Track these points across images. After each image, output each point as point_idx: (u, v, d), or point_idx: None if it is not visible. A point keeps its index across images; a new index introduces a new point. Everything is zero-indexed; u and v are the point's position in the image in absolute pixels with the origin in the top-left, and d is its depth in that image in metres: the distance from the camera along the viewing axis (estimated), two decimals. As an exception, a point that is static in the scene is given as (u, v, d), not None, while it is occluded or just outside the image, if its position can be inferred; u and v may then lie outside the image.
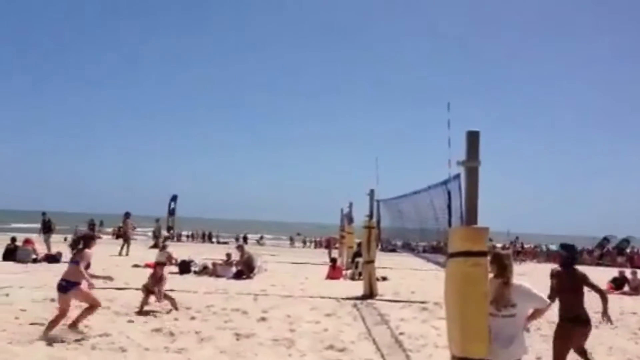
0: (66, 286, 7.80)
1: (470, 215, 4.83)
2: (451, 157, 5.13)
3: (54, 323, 7.77)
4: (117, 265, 17.83)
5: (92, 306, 8.06)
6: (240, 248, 17.52)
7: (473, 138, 4.90)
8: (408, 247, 10.50)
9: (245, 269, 16.26)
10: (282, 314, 10.12)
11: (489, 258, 4.77)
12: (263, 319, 9.72)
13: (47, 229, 23.26)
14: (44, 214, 23.99)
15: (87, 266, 7.92)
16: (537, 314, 5.08)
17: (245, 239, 47.39)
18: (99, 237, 24.19)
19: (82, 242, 8.11)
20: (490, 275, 4.82)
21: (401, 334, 8.81)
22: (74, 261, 7.92)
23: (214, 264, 16.86)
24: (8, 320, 8.63)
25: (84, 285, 7.87)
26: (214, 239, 47.65)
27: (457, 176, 5.32)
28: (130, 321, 8.99)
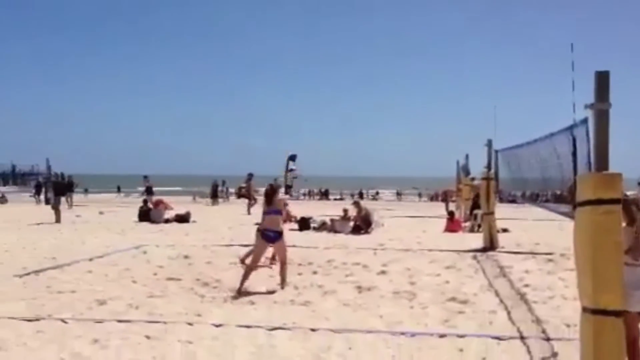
0: (273, 236, 8.46)
1: (601, 161, 4.56)
2: (575, 101, 4.86)
3: (247, 275, 8.46)
4: (243, 224, 18.74)
5: (284, 262, 8.63)
6: (356, 204, 17.73)
7: (602, 78, 4.59)
8: (529, 198, 10.14)
9: (363, 224, 16.47)
10: (402, 268, 10.19)
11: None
12: (383, 272, 9.85)
13: (149, 191, 25.32)
14: (145, 177, 25.98)
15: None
16: None
17: (361, 194, 47.89)
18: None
19: (270, 194, 8.69)
20: (623, 223, 4.56)
21: (525, 285, 8.58)
22: (273, 211, 8.54)
23: (332, 220, 17.22)
24: (147, 276, 9.39)
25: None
26: (330, 196, 48.56)
27: (585, 120, 5.04)
28: (256, 275, 9.43)
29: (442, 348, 5.72)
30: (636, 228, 4.63)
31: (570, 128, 5.50)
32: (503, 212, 18.70)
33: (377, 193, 52.33)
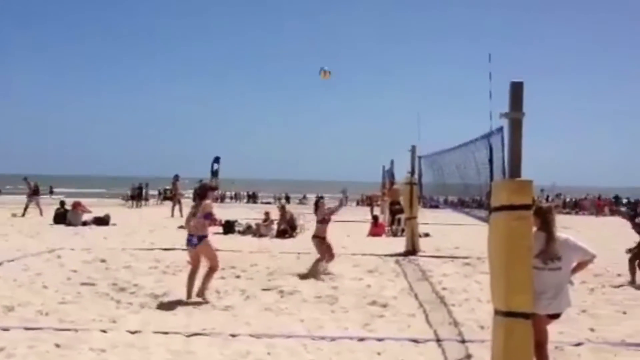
0: (194, 241, 7.95)
1: (514, 168, 4.71)
2: (493, 109, 5.01)
3: (190, 280, 7.97)
4: (166, 227, 18.29)
5: (212, 268, 8.11)
6: (281, 208, 17.68)
7: (517, 89, 4.74)
8: (450, 203, 10.41)
9: (288, 228, 16.44)
10: (325, 272, 10.20)
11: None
12: (306, 276, 9.84)
13: (35, 192, 24.46)
14: (25, 178, 25.06)
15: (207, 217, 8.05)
16: (581, 266, 4.97)
17: (287, 198, 47.85)
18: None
19: (200, 194, 8.19)
20: (534, 228, 4.72)
21: (444, 289, 8.80)
22: (195, 215, 8.02)
23: (258, 224, 17.09)
24: (60, 281, 8.97)
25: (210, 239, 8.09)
26: (258, 200, 48.20)
27: (500, 129, 5.19)
28: (178, 280, 9.21)
29: (360, 352, 5.76)
30: (549, 232, 4.78)
31: (488, 136, 5.66)
32: (425, 217, 19.14)
33: (305, 197, 52.33)
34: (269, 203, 42.32)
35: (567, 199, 41.10)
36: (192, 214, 8.03)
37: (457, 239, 15.52)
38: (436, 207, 24.45)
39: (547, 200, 36.48)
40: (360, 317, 7.13)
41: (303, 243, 14.53)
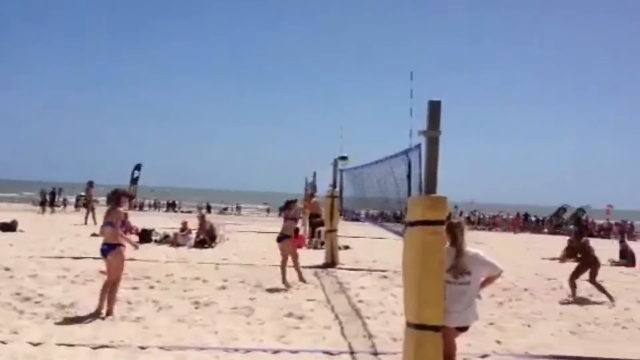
0: (106, 249, 7.53)
1: (430, 184, 4.83)
2: (417, 127, 5.12)
3: (103, 292, 7.51)
4: (78, 235, 17.55)
5: (108, 281, 7.61)
6: (201, 217, 17.37)
7: (434, 108, 4.88)
8: (369, 217, 10.57)
9: (207, 238, 16.16)
10: (243, 283, 10.11)
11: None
12: (223, 287, 9.70)
13: None
14: None
15: (122, 224, 7.64)
16: (489, 280, 5.15)
17: (208, 208, 47.12)
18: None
19: (113, 200, 7.73)
20: (446, 244, 4.86)
21: (360, 301, 8.90)
22: (108, 223, 7.60)
23: (175, 234, 16.70)
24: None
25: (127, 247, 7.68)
26: (177, 208, 47.17)
27: (418, 146, 5.31)
28: (87, 290, 8.84)
29: (274, 364, 5.71)
30: (459, 248, 4.93)
31: (406, 152, 5.79)
32: (346, 230, 19.34)
33: (226, 209, 51.62)
34: (189, 212, 41.50)
35: (482, 216, 42.62)
36: (106, 222, 7.72)
37: (376, 252, 15.74)
38: (357, 220, 24.75)
39: (460, 216, 37.80)
40: (275, 328, 7.08)
41: (222, 253, 14.36)
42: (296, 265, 10.48)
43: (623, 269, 16.04)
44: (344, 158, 13.35)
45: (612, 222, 40.12)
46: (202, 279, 10.27)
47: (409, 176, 5.67)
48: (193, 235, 16.47)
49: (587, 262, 10.82)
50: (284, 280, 10.09)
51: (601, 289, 10.33)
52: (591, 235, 31.76)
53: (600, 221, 40.69)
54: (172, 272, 10.80)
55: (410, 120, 5.29)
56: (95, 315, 7.28)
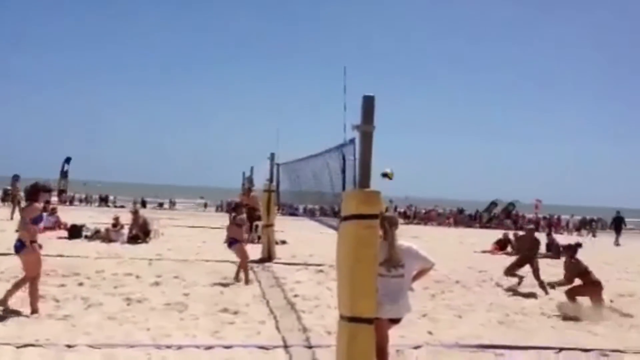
0: (19, 246, 7.12)
1: (364, 178, 4.87)
2: (352, 122, 5.14)
3: (15, 288, 7.18)
4: (3, 230, 16.78)
5: (25, 278, 7.26)
6: (134, 212, 16.95)
7: (368, 102, 4.92)
8: (306, 211, 10.60)
9: (141, 234, 15.80)
10: (177, 279, 9.94)
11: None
12: (156, 283, 9.52)
13: None
14: None
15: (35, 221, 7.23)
16: (422, 273, 5.26)
17: (143, 203, 46.11)
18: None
19: (31, 195, 7.31)
20: (380, 237, 4.91)
21: (295, 296, 8.91)
22: (24, 219, 7.18)
23: (107, 229, 16.25)
24: None
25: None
26: (110, 203, 45.88)
27: (352, 140, 5.34)
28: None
29: (207, 359, 5.64)
30: (392, 241, 5.00)
31: (341, 147, 5.82)
32: (283, 225, 19.32)
33: (162, 204, 50.47)
34: (122, 207, 40.48)
35: (417, 211, 43.47)
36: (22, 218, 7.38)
37: (313, 246, 15.79)
38: (294, 215, 24.79)
39: (395, 210, 38.44)
40: (210, 324, 7.00)
41: (156, 249, 14.07)
42: (245, 268, 10.23)
43: (549, 260, 16.72)
44: (386, 175, 12.51)
45: (540, 216, 41.76)
46: (135, 275, 10.04)
47: (343, 170, 5.70)
48: (126, 230, 16.07)
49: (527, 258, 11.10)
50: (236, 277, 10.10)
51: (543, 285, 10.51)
52: (520, 229, 33.00)
53: (529, 215, 42.28)
54: (102, 269, 10.50)
55: (344, 115, 5.35)
56: (19, 313, 6.99)
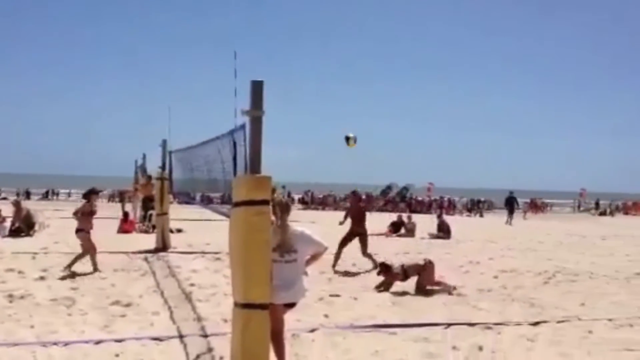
0: None
1: (254, 164, 4.84)
2: (240, 107, 5.09)
3: None
4: None
5: None
6: (16, 203, 15.95)
7: (257, 87, 4.88)
8: (204, 199, 10.42)
9: (24, 226, 14.90)
10: (64, 272, 9.48)
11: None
12: (42, 278, 9.05)
13: None
14: None
15: None
16: (315, 257, 5.31)
17: (27, 193, 43.55)
18: None
19: None
20: (272, 223, 4.92)
21: (192, 285, 8.76)
22: None
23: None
24: None
25: None
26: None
27: (243, 126, 5.30)
28: None
29: (96, 355, 5.44)
30: (284, 226, 5.01)
31: (231, 132, 5.76)
32: (178, 213, 18.91)
33: (54, 193, 47.68)
34: (4, 199, 37.98)
35: (316, 196, 44.00)
36: None
37: (209, 234, 15.53)
38: (189, 203, 24.36)
39: (289, 196, 38.67)
40: (99, 318, 6.74)
41: (42, 242, 13.34)
42: (91, 256, 9.78)
43: (440, 241, 17.54)
44: (348, 139, 11.83)
45: (432, 198, 43.59)
46: (18, 271, 9.46)
47: (234, 157, 5.65)
48: (8, 223, 15.09)
49: (357, 231, 11.26)
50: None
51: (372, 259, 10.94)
52: (414, 211, 34.27)
53: (420, 198, 44.00)
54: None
55: (235, 100, 5.29)
56: None
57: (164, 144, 13.06)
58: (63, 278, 9.08)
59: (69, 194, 47.19)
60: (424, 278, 9.05)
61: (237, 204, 4.78)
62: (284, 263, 4.92)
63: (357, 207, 12.00)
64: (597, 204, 48.88)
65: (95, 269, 9.64)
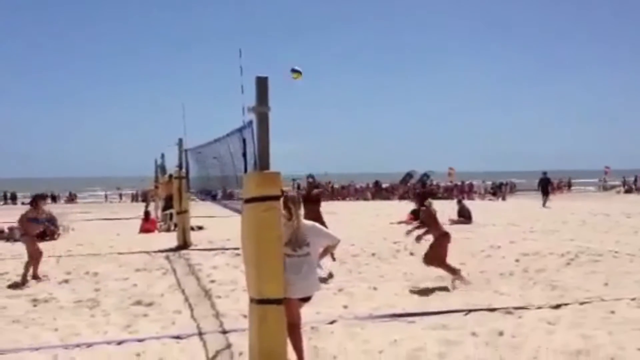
0: None
1: (263, 160, 4.86)
2: (248, 103, 5.09)
3: None
4: None
5: None
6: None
7: (262, 84, 4.89)
8: (212, 195, 10.44)
9: (48, 230, 15.11)
10: (88, 274, 9.63)
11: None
12: (66, 281, 9.20)
13: None
14: None
15: None
16: (327, 250, 5.33)
17: (54, 197, 44.21)
18: None
19: None
20: (284, 218, 4.93)
21: (212, 281, 8.84)
22: None
23: (11, 227, 15.43)
24: None
25: None
26: (18, 200, 43.59)
27: (251, 122, 5.30)
28: None
29: (118, 355, 5.53)
30: (296, 221, 5.02)
31: (240, 129, 5.76)
32: (199, 210, 19.03)
33: (72, 195, 48.43)
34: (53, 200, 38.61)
35: (336, 186, 43.95)
36: None
37: (230, 230, 15.63)
38: (209, 199, 24.45)
39: (299, 188, 38.43)
40: (122, 319, 6.84)
41: (66, 245, 13.54)
42: (34, 263, 9.35)
43: (462, 226, 17.41)
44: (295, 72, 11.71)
45: (454, 183, 43.32)
46: (42, 274, 9.61)
47: (244, 154, 5.66)
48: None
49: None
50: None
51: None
52: (436, 198, 34.08)
53: (443, 183, 43.74)
54: (6, 270, 10.01)
55: (242, 98, 5.30)
56: None
57: (180, 142, 13.16)
58: (86, 280, 9.20)
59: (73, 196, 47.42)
60: (434, 249, 8.73)
61: (248, 201, 4.80)
62: (297, 257, 4.94)
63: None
64: (623, 182, 48.01)
65: (35, 277, 9.24)
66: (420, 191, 8.72)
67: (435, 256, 8.67)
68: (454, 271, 8.63)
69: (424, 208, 9.13)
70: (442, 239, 8.74)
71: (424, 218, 9.02)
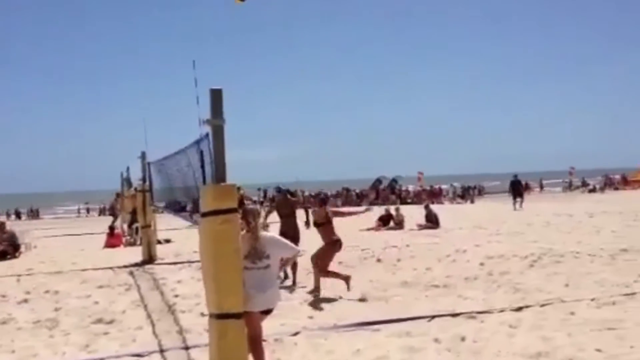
0: None
1: (219, 173, 4.81)
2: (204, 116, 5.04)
3: None
4: None
5: None
6: (0, 225, 15.80)
7: (216, 96, 4.84)
8: (172, 208, 10.31)
9: (9, 248, 14.76)
10: (48, 293, 9.41)
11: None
12: (25, 300, 8.95)
13: None
14: None
15: None
16: (287, 261, 5.30)
17: (17, 214, 43.33)
18: None
19: None
20: (243, 231, 4.89)
21: (176, 296, 8.72)
22: None
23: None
24: None
25: None
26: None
27: (207, 135, 5.25)
28: None
29: (75, 377, 5.39)
30: (254, 234, 4.98)
31: (198, 142, 5.71)
32: (168, 223, 18.77)
33: (33, 211, 47.22)
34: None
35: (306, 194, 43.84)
36: None
37: (197, 242, 15.51)
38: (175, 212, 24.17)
39: (265, 198, 38.29)
40: (81, 338, 6.67)
41: (27, 263, 13.22)
42: None
43: (429, 231, 17.55)
44: None
45: (422, 188, 43.65)
46: (0, 295, 9.36)
47: (202, 166, 5.60)
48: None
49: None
50: None
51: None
52: (405, 203, 34.34)
53: (412, 187, 44.07)
54: (-37, 292, 9.71)
55: (197, 109, 5.24)
56: None
57: (143, 155, 12.99)
58: (46, 299, 9.00)
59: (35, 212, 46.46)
60: (320, 253, 8.78)
61: (205, 214, 4.75)
62: (256, 270, 4.90)
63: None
64: (583, 182, 49.20)
65: None
66: (324, 196, 8.78)
67: (321, 260, 8.74)
68: (337, 277, 8.79)
69: (317, 209, 9.08)
70: (332, 246, 8.81)
71: (317, 219, 8.97)
